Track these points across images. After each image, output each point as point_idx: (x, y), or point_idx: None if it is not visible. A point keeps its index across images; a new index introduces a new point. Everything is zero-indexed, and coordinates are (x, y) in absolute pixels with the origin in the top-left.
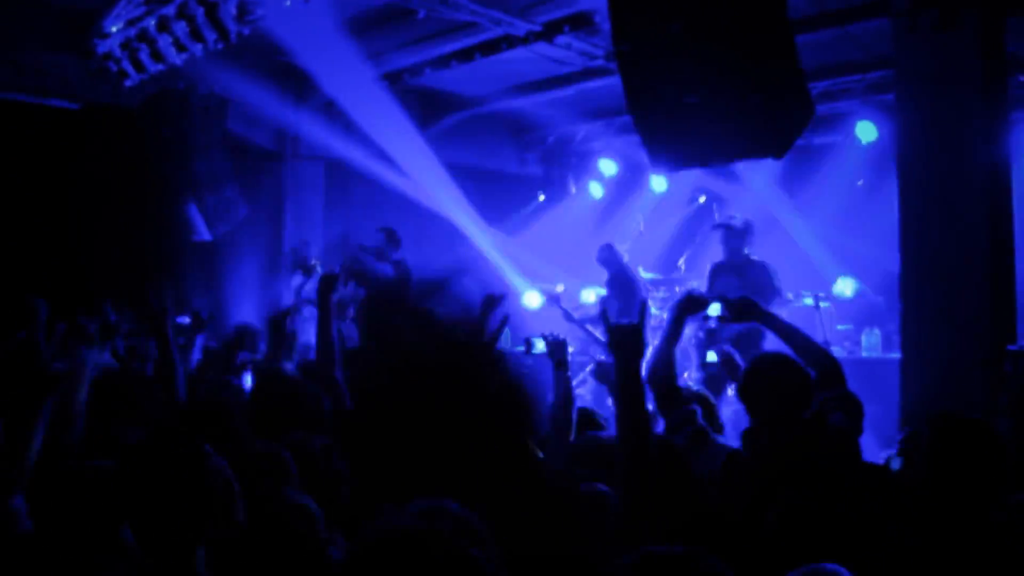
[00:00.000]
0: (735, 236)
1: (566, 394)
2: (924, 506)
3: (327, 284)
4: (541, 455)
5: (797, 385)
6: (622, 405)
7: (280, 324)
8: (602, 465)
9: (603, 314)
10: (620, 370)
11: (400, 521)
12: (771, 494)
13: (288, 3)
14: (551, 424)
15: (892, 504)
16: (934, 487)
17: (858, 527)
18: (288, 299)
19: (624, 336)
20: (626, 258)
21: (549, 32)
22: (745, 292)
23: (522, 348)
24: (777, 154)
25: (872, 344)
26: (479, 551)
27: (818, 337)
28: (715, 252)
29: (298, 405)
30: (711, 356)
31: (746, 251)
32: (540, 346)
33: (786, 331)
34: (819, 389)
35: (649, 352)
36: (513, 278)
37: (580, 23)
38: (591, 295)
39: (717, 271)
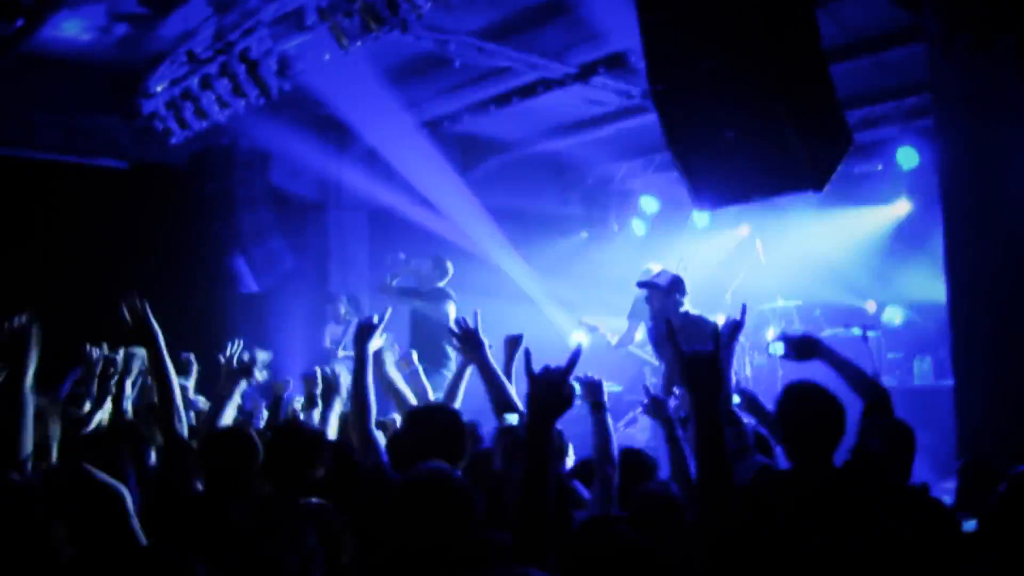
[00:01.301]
0: (660, 296)
1: (605, 436)
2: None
3: (364, 332)
4: (588, 496)
5: (830, 414)
6: (699, 441)
7: (311, 383)
8: (665, 521)
9: (672, 339)
10: (696, 404)
11: None
12: (800, 516)
13: (327, 57)
14: (595, 468)
15: (939, 533)
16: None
17: (886, 553)
18: (327, 348)
19: (699, 366)
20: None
21: (585, 74)
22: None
23: None
24: (817, 186)
25: (924, 372)
26: None
27: (868, 367)
28: (760, 286)
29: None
30: (735, 399)
31: (682, 309)
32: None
33: (840, 364)
34: (866, 417)
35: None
36: (559, 318)
37: (615, 64)
38: (638, 333)
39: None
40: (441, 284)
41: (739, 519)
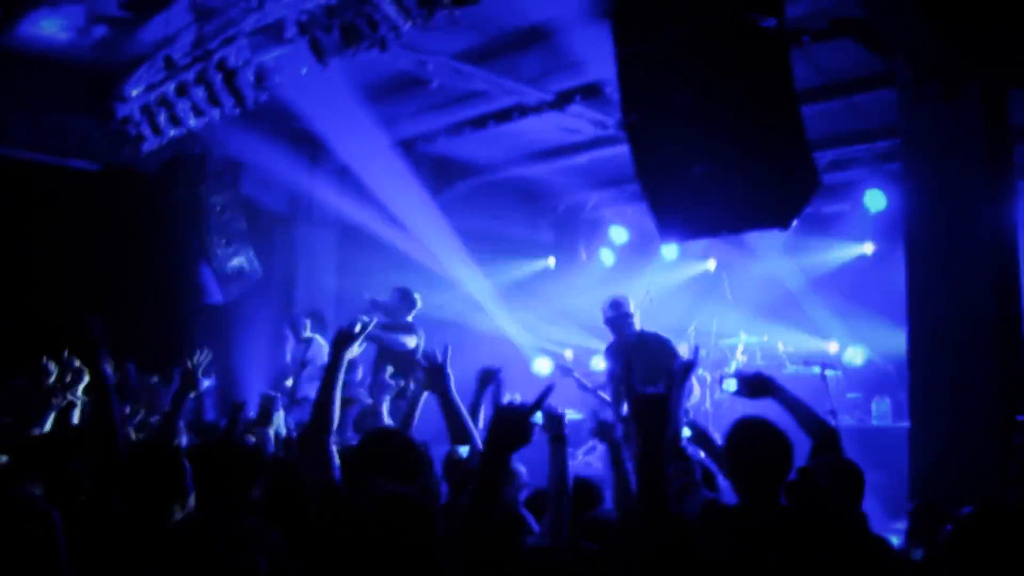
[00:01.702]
0: (625, 316)
1: (562, 469)
2: None
3: (343, 339)
4: (536, 527)
5: (778, 450)
6: (641, 477)
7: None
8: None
9: (627, 379)
10: (641, 441)
11: None
12: (746, 551)
13: (305, 71)
14: (548, 499)
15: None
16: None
17: None
18: (289, 365)
19: (647, 406)
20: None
21: (561, 101)
22: (651, 365)
23: None
24: (783, 225)
25: (882, 412)
26: None
27: (824, 406)
28: (724, 320)
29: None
30: (686, 431)
31: (637, 327)
32: (537, 418)
33: (791, 403)
34: (815, 455)
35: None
36: (524, 344)
37: (591, 93)
38: (602, 362)
39: (616, 351)
40: (409, 317)
41: (684, 552)
